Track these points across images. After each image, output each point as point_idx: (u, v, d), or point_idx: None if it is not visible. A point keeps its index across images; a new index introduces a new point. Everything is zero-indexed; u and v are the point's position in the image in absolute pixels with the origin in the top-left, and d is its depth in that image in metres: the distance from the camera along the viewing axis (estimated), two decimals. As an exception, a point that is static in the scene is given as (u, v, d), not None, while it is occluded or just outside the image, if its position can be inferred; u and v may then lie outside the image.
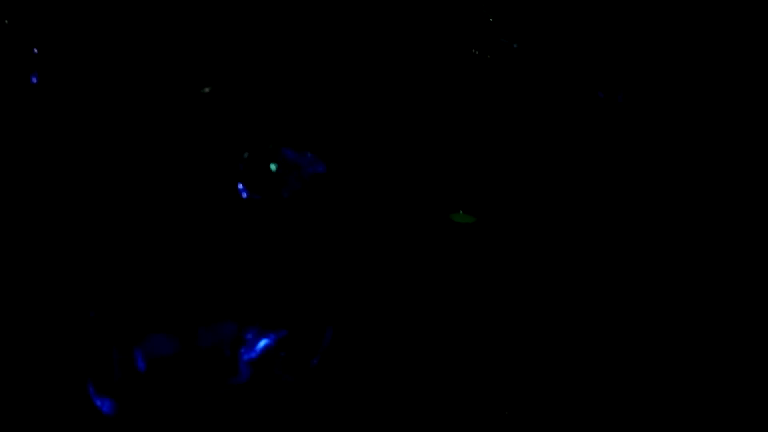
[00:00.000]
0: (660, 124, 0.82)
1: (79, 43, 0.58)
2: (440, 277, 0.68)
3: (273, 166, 0.43)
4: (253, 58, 0.47)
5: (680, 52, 0.82)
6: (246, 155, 0.44)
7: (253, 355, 0.51)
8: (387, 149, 0.79)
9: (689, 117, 0.80)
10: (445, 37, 0.81)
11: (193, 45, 0.49)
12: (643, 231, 0.73)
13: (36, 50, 0.54)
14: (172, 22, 0.49)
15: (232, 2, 0.62)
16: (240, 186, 0.44)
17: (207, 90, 0.42)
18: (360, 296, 0.48)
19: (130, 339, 0.49)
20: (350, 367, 0.56)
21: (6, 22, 0.60)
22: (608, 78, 0.81)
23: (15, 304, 0.58)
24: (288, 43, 0.68)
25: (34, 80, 0.53)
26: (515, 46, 0.80)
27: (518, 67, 0.78)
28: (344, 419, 0.52)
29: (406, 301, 0.64)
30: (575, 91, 0.80)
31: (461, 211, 0.75)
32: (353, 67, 0.75)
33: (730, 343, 0.61)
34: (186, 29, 0.51)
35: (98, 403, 0.51)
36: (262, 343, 0.51)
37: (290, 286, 0.50)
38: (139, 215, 0.46)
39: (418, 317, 0.62)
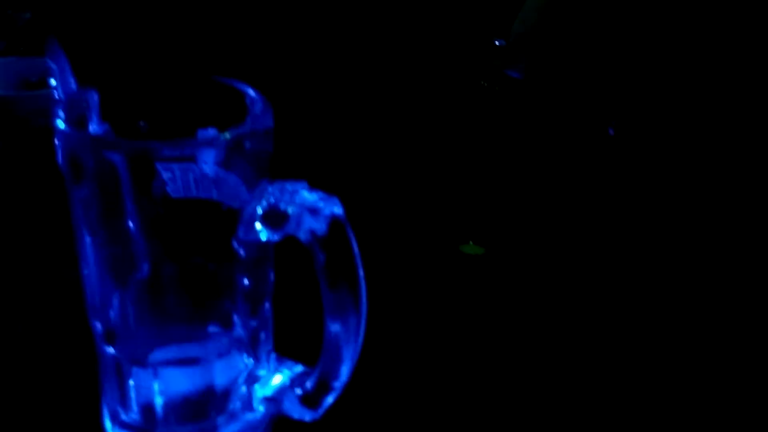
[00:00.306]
0: (661, 158, 0.82)
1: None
2: (451, 308, 0.68)
3: (291, 209, 0.43)
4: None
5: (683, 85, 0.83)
6: (264, 197, 0.44)
7: (268, 392, 0.51)
8: (396, 183, 0.80)
9: (688, 152, 0.81)
10: (455, 69, 0.82)
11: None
12: (650, 263, 0.73)
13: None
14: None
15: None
16: (258, 227, 0.45)
17: (228, 136, 0.43)
18: (374, 330, 0.48)
19: (146, 370, 0.50)
20: (366, 403, 0.56)
21: None
22: (617, 114, 0.82)
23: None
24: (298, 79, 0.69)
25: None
26: (521, 77, 0.81)
27: (526, 100, 0.79)
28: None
29: (419, 333, 0.64)
30: (584, 125, 0.81)
31: (471, 242, 0.76)
32: (358, 97, 0.76)
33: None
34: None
35: None
36: (278, 379, 0.51)
37: (307, 322, 0.51)
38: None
39: (431, 349, 0.63)
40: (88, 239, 0.48)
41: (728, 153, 0.83)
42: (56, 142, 0.44)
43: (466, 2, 0.83)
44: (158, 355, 0.48)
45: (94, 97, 0.46)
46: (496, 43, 0.84)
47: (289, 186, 0.44)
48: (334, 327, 0.46)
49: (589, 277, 0.72)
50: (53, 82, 0.72)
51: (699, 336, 0.64)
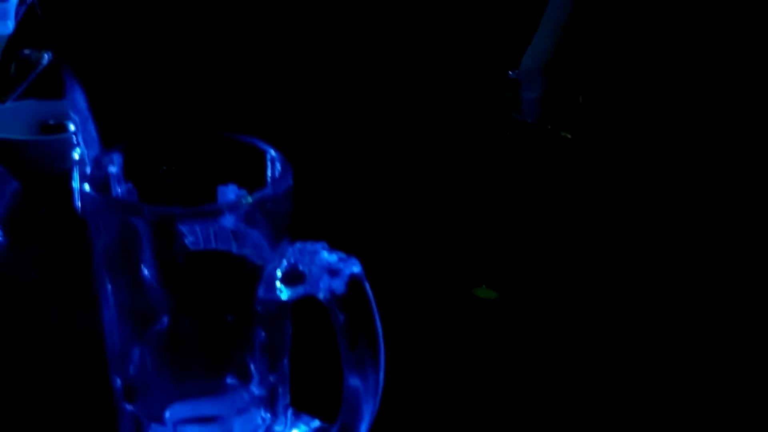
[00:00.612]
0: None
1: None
2: (465, 353, 0.68)
3: (311, 269, 0.44)
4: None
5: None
6: (285, 258, 0.45)
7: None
8: (409, 227, 0.80)
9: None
10: (466, 115, 0.82)
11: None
12: (668, 312, 0.74)
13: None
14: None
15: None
16: (279, 286, 0.45)
17: (250, 200, 0.43)
18: (390, 380, 0.48)
19: (165, 428, 0.50)
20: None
21: None
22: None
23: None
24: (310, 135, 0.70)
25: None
26: (530, 121, 0.81)
27: (539, 145, 0.80)
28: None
29: (434, 379, 0.65)
30: (597, 170, 0.81)
31: (484, 286, 0.76)
32: (371, 140, 0.77)
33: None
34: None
35: None
36: (295, 432, 0.52)
37: (325, 376, 0.51)
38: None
39: (446, 396, 0.63)
40: (108, 286, 0.49)
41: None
42: (78, 203, 0.45)
43: (472, 45, 0.84)
44: (177, 411, 0.49)
45: (118, 159, 0.47)
46: (510, 74, 0.85)
47: (309, 246, 0.45)
48: (354, 383, 0.46)
49: (602, 324, 0.72)
50: (72, 126, 0.73)
51: (716, 379, 0.64)
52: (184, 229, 0.47)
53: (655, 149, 0.86)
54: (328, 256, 0.44)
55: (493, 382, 0.64)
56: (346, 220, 0.73)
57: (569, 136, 0.81)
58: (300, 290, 0.45)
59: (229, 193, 0.49)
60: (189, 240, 0.48)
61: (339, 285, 0.44)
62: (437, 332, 0.70)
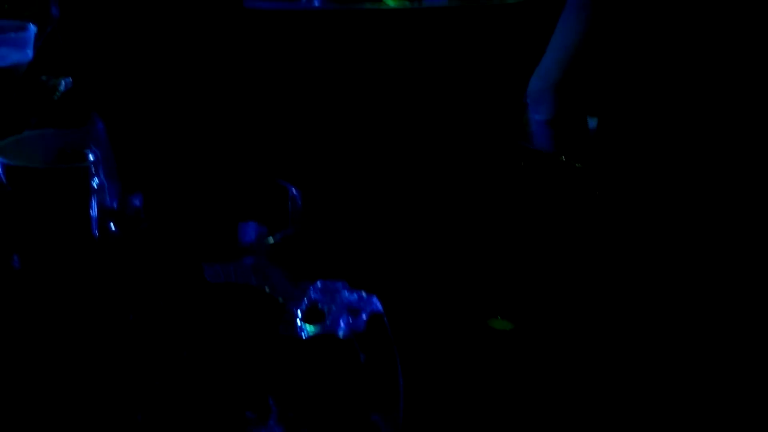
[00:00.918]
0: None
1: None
2: (480, 383, 0.69)
3: (332, 309, 0.44)
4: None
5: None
6: (306, 296, 0.45)
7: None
8: (425, 259, 0.81)
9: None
10: (481, 146, 0.83)
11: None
12: (683, 338, 0.74)
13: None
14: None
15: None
16: (299, 325, 0.46)
17: (272, 241, 0.44)
18: (407, 409, 0.49)
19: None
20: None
21: None
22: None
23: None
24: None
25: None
26: (541, 149, 0.82)
27: (552, 174, 0.80)
28: None
29: (452, 408, 0.65)
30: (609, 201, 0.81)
31: (499, 317, 0.77)
32: (385, 173, 0.78)
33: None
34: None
35: None
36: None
37: (345, 411, 0.51)
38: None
39: (464, 425, 0.63)
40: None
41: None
42: (96, 231, 0.46)
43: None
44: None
45: (139, 201, 0.48)
46: (527, 102, 0.85)
47: (330, 285, 0.45)
48: (374, 418, 0.47)
49: (617, 354, 0.72)
50: (91, 156, 0.73)
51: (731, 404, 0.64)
52: (206, 271, 0.47)
53: (667, 175, 0.86)
54: (348, 296, 0.44)
55: (510, 411, 0.64)
56: (364, 254, 0.74)
57: (579, 165, 0.81)
58: (320, 328, 0.45)
59: (250, 231, 0.50)
60: (208, 274, 0.49)
61: (359, 324, 0.44)
62: (454, 364, 0.70)
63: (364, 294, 0.45)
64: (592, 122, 0.90)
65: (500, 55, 1.05)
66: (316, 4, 1.03)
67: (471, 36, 1.04)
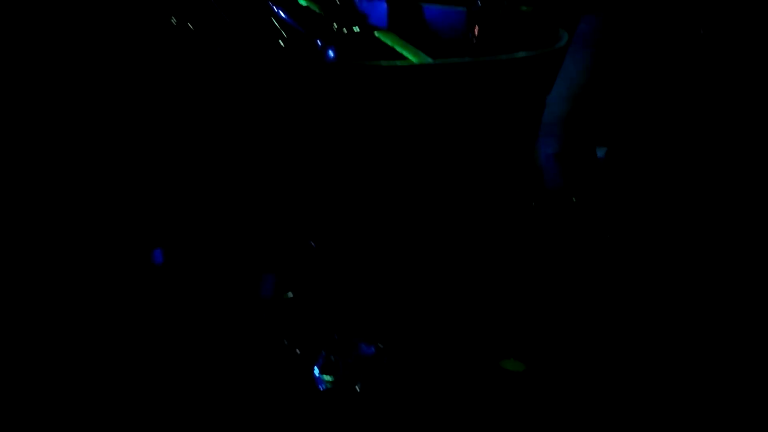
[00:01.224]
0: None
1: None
2: (492, 424, 0.69)
3: (346, 359, 0.45)
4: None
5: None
6: (323, 353, 0.46)
7: None
8: (435, 300, 0.81)
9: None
10: (490, 184, 0.83)
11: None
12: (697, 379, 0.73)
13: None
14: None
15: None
16: (317, 376, 0.46)
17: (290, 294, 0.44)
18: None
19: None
20: None
21: None
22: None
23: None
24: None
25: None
26: (550, 186, 0.82)
27: (567, 218, 0.80)
28: None
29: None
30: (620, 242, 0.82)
31: (512, 359, 0.77)
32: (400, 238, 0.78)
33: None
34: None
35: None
36: None
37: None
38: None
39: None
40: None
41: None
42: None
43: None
44: None
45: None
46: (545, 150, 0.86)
47: (347, 340, 0.46)
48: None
49: (633, 394, 0.72)
50: None
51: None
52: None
53: (677, 207, 0.87)
54: (366, 349, 0.45)
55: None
56: (375, 296, 0.74)
57: (589, 203, 0.81)
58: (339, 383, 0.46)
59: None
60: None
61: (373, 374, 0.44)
62: (465, 406, 0.70)
63: (381, 346, 0.46)
64: (601, 152, 0.90)
65: (512, 105, 1.05)
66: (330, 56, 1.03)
67: (483, 88, 1.05)
